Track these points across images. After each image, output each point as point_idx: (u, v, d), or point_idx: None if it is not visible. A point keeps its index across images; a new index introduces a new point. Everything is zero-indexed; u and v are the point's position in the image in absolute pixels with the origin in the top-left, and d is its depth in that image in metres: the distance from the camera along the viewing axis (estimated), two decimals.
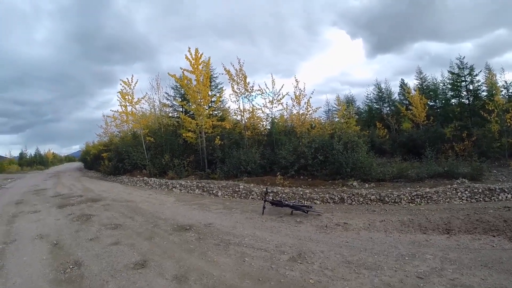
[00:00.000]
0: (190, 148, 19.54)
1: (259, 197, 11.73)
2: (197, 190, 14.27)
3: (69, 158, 60.47)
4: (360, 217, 8.18)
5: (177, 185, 15.56)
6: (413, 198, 9.57)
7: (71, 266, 5.95)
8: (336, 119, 24.32)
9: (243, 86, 17.49)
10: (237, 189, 12.93)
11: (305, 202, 10.47)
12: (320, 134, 15.96)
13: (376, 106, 31.07)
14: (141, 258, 6.12)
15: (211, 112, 19.55)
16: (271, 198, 11.09)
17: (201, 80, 17.32)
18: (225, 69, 17.44)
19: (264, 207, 9.29)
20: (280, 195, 11.44)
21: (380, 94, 30.68)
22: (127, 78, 20.81)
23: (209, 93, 18.42)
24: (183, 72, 17.53)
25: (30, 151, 53.36)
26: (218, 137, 17.58)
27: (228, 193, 12.95)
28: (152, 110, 24.03)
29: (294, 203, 9.12)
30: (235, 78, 17.43)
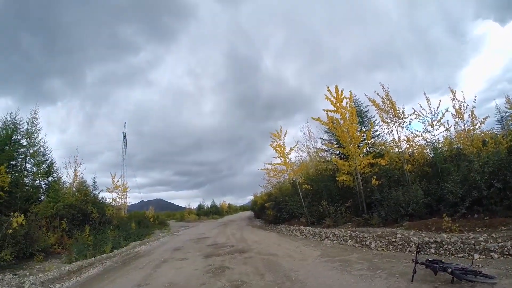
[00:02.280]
0: (348, 192, 17.14)
1: (415, 249, 8.85)
2: (350, 240, 12.00)
3: (243, 208, 65.19)
4: None
5: (330, 235, 13.59)
6: None
7: None
8: None
9: (392, 113, 14.77)
10: (393, 239, 10.04)
11: (477, 256, 7.08)
12: (494, 151, 11.60)
13: None
14: None
15: (365, 150, 17.20)
16: (433, 253, 8.15)
17: (347, 117, 15.50)
18: (370, 99, 15.25)
19: (414, 272, 6.42)
20: (445, 246, 8.17)
21: None
22: (276, 130, 20.55)
23: (360, 129, 16.40)
24: (327, 113, 16.03)
25: (207, 203, 59.05)
26: (375, 176, 14.86)
27: (383, 245, 10.21)
28: (308, 157, 23.06)
29: (456, 267, 5.92)
30: (383, 106, 14.95)
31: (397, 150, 15.40)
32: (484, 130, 14.68)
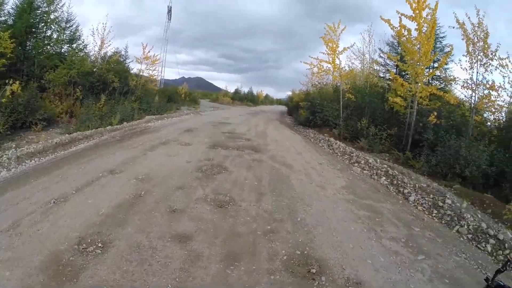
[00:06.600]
0: (395, 119, 14.80)
1: (470, 235, 6.42)
2: (384, 178, 9.88)
3: (280, 101, 64.78)
4: None
5: (362, 161, 11.62)
6: None
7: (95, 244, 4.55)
8: None
9: (481, 48, 11.39)
10: (440, 203, 7.78)
11: None
12: None
13: None
14: None
15: (430, 78, 14.49)
16: (488, 253, 5.85)
17: (423, 31, 12.25)
18: (457, 21, 11.70)
19: None
20: (507, 251, 5.78)
21: None
22: (332, 23, 17.44)
23: (432, 52, 13.02)
24: (400, 17, 12.70)
25: (245, 89, 58.75)
26: (435, 113, 12.10)
27: (425, 204, 8.05)
28: (361, 65, 20.32)
29: None
30: (471, 36, 11.52)
31: (471, 93, 12.26)
32: None
